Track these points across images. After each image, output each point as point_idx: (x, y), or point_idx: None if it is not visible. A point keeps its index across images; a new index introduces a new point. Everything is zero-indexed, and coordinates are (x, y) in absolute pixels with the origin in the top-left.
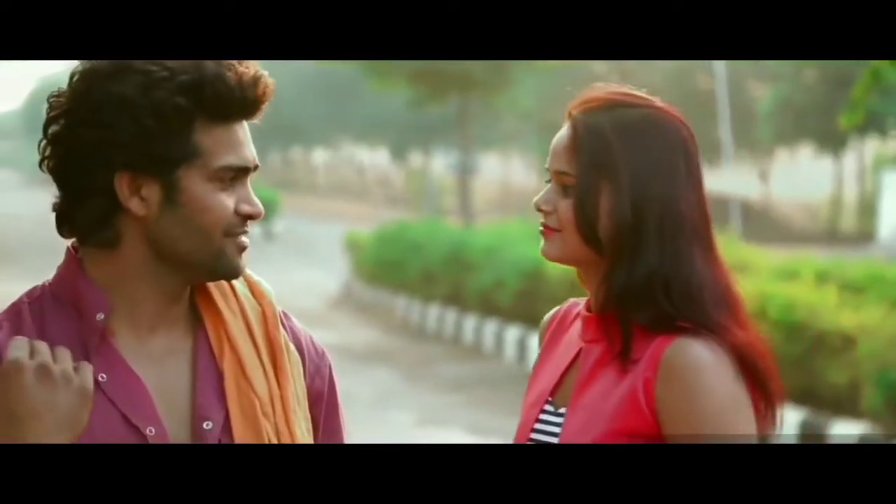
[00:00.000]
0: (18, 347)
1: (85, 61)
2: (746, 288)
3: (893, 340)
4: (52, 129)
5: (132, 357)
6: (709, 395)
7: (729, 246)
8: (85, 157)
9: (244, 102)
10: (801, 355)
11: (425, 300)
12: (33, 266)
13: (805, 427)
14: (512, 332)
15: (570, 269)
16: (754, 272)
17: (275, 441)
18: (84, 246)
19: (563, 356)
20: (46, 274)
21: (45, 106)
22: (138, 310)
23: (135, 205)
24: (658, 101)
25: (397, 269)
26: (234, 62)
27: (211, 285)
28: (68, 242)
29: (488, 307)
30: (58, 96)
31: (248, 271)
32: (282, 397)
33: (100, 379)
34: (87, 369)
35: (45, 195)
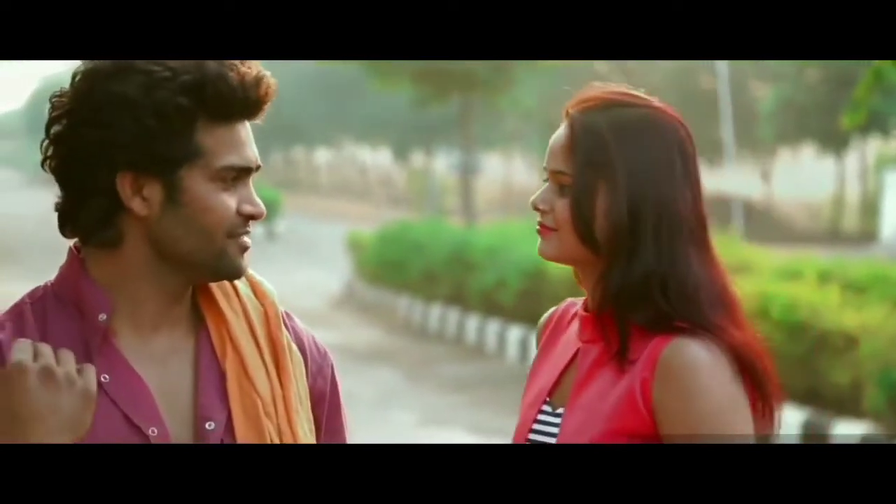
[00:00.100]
0: (22, 350)
1: (87, 61)
2: (748, 288)
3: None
4: (55, 128)
5: (134, 357)
6: (706, 395)
7: (731, 246)
8: (87, 157)
9: (246, 102)
10: (804, 355)
11: (427, 300)
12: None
13: (807, 427)
14: (514, 332)
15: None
16: (756, 272)
17: (277, 441)
18: (86, 246)
19: (560, 356)
20: (48, 274)
21: (48, 106)
22: (140, 310)
23: (137, 205)
24: (656, 101)
25: (399, 269)
26: (237, 62)
27: (213, 285)
28: (70, 242)
29: (491, 307)
30: (60, 96)
31: (250, 271)
32: (284, 397)
33: (102, 380)
34: (91, 371)
35: (47, 195)
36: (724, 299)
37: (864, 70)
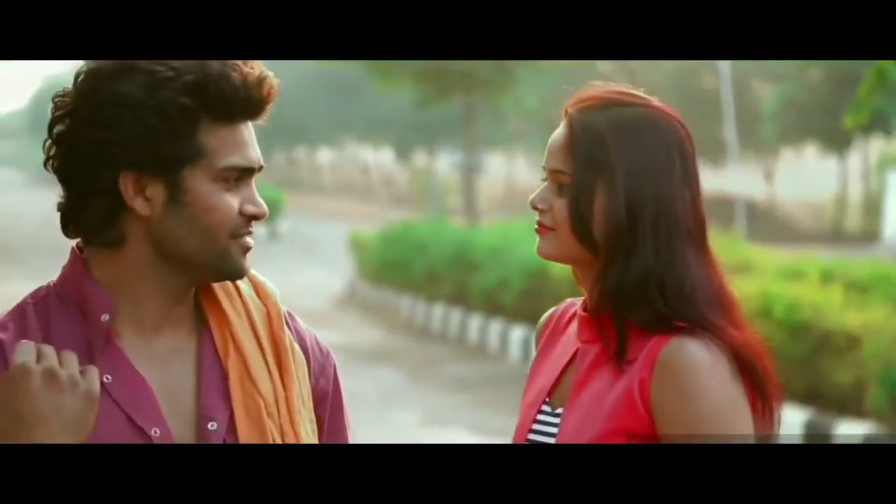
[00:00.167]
0: (25, 352)
1: (90, 61)
2: (751, 288)
3: None
4: (57, 128)
5: (136, 358)
6: (705, 394)
7: (734, 245)
8: (89, 157)
9: (249, 103)
10: (806, 355)
11: (430, 300)
12: (38, 266)
13: (810, 427)
14: (517, 332)
15: None
16: (759, 272)
17: (279, 442)
18: (89, 246)
19: (560, 356)
20: (51, 274)
21: (50, 106)
22: (142, 310)
23: (139, 205)
24: (655, 101)
25: (402, 269)
26: (239, 62)
27: (216, 286)
28: (73, 242)
29: (493, 307)
30: (63, 96)
31: (252, 272)
32: (286, 398)
33: (105, 380)
34: (94, 373)
35: (49, 195)
36: (721, 300)
37: (866, 70)
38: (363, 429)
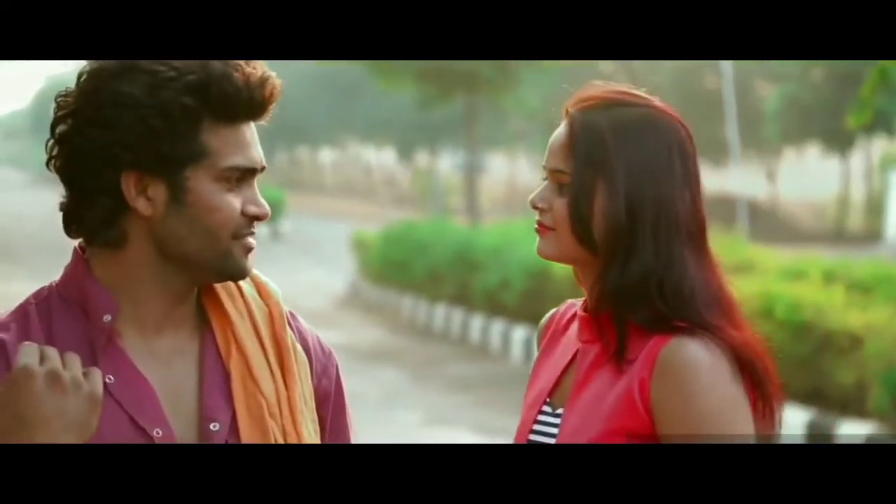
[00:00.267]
0: (28, 353)
1: (92, 61)
2: (753, 288)
3: None
4: (60, 128)
5: (139, 358)
6: (705, 394)
7: (736, 245)
8: (92, 157)
9: (251, 103)
10: (808, 355)
11: (432, 300)
12: (40, 266)
13: (812, 427)
14: (518, 332)
15: None
16: (761, 272)
17: (281, 442)
18: (91, 246)
19: (561, 357)
20: (53, 274)
21: (53, 106)
22: (145, 310)
23: (141, 205)
24: (656, 101)
25: (404, 269)
26: (242, 62)
27: (218, 286)
28: (75, 242)
29: (495, 307)
30: (65, 96)
31: (255, 272)
32: (289, 398)
33: (107, 381)
34: (97, 375)
35: (52, 195)
36: (720, 300)
37: (869, 70)
38: (365, 429)
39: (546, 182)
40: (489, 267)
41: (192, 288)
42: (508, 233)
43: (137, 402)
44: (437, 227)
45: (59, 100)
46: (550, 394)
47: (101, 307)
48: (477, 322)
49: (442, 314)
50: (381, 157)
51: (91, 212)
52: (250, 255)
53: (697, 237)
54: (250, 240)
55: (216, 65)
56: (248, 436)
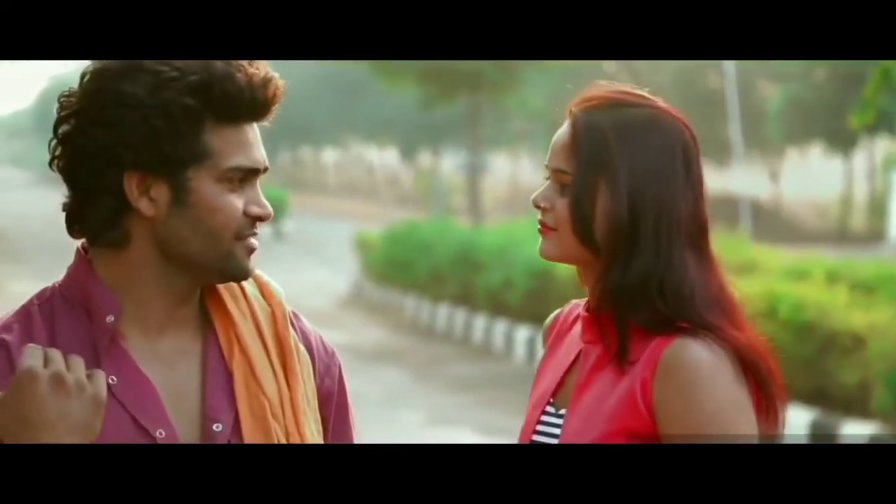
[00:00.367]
0: (32, 356)
1: (95, 61)
2: (756, 288)
3: None
4: (63, 128)
5: (141, 359)
6: (708, 395)
7: (739, 246)
8: (95, 157)
9: (254, 104)
10: (812, 355)
11: (435, 300)
12: (43, 265)
13: (815, 427)
14: (521, 332)
15: None
16: (764, 272)
17: (284, 442)
18: (93, 246)
19: (564, 357)
20: (56, 274)
21: (56, 105)
22: (147, 311)
23: (144, 205)
24: (660, 102)
25: (407, 269)
26: (245, 63)
27: (221, 287)
28: (78, 243)
29: (498, 307)
30: (68, 96)
31: (258, 272)
32: (291, 398)
33: (110, 381)
34: (101, 377)
35: (54, 195)
36: (721, 301)
37: (872, 70)
38: (368, 429)
39: (548, 182)
40: (492, 267)
41: (195, 289)
42: (511, 233)
43: (140, 402)
44: (440, 226)
45: (62, 100)
46: (554, 394)
47: (104, 308)
48: (480, 322)
49: (445, 314)
50: (384, 157)
51: (94, 212)
52: (253, 256)
53: (699, 239)
54: (253, 240)
55: (219, 65)
56: (250, 436)
